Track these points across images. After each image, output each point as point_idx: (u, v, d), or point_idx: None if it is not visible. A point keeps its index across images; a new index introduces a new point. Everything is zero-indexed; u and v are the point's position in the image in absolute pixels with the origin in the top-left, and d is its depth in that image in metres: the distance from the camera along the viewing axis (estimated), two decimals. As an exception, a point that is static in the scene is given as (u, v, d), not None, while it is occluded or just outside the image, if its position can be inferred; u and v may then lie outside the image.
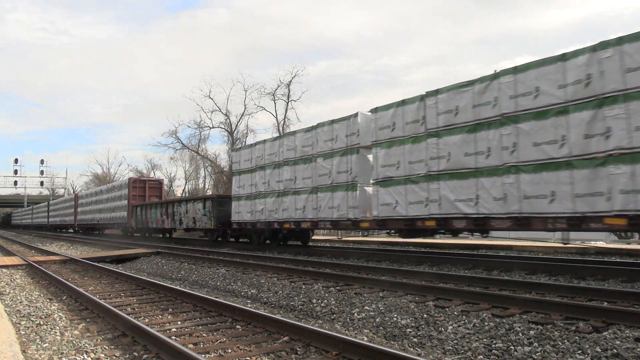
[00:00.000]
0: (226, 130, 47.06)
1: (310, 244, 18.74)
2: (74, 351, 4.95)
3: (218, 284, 10.18)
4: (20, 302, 7.89)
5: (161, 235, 28.18)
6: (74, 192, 56.00)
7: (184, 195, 53.80)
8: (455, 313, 6.13)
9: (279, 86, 43.07)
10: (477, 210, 9.93)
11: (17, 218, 79.66)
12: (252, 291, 8.99)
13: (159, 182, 34.46)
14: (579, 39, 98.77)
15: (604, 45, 8.15)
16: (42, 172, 72.08)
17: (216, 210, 20.17)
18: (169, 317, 6.62)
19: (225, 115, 46.23)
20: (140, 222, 29.08)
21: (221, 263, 12.82)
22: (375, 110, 12.53)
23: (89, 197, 40.80)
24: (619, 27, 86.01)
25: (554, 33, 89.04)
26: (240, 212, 18.45)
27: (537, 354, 4.62)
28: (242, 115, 45.88)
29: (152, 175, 58.43)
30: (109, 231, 38.25)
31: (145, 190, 31.93)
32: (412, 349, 5.10)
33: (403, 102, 11.76)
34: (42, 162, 72.31)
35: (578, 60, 8.46)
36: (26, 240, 32.95)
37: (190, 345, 5.04)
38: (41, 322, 6.34)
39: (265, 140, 17.75)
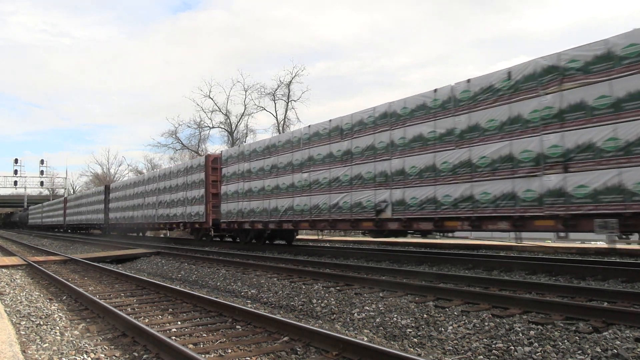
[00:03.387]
0: (226, 130, 47.07)
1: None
2: (74, 351, 4.95)
3: (218, 284, 10.18)
4: (20, 302, 7.89)
5: None
6: (200, 157, 23.59)
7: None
8: (456, 313, 6.13)
9: (279, 86, 43.07)
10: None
11: (37, 216, 60.16)
12: (252, 291, 8.99)
13: None
14: (577, 39, 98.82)
15: None
16: (42, 172, 72.15)
17: None
18: (169, 317, 6.62)
19: (225, 115, 46.22)
20: None
21: (221, 263, 12.81)
22: None
23: (259, 156, 16.71)
24: (617, 29, 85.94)
25: (551, 35, 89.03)
26: None
27: (537, 354, 4.61)
28: (242, 115, 45.82)
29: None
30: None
31: None
32: (412, 349, 5.10)
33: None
34: (42, 162, 72.45)
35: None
36: (27, 241, 32.94)
37: (190, 346, 5.04)
38: (41, 322, 6.33)
39: None
